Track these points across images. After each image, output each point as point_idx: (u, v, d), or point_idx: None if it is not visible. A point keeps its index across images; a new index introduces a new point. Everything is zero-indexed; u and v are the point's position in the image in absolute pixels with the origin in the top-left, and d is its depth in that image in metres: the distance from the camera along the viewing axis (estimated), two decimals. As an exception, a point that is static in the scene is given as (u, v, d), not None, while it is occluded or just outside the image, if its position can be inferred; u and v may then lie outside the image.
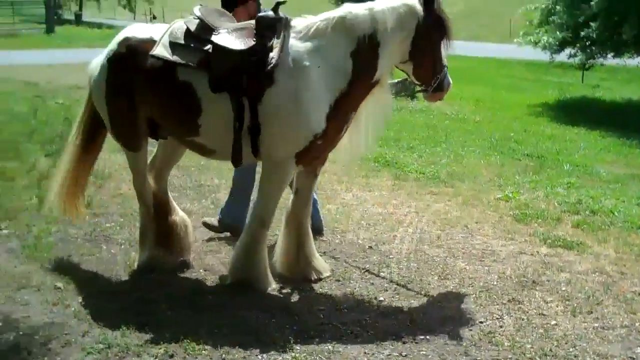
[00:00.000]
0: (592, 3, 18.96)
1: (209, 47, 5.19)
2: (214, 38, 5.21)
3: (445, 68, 5.45)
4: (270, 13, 5.31)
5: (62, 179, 5.97)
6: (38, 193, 7.56)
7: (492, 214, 7.82)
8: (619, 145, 14.03)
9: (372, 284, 5.77)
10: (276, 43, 5.16)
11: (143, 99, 5.35)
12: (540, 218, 7.68)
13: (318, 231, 6.78)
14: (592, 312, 5.36)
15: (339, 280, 5.82)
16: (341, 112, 5.28)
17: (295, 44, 5.20)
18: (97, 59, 5.60)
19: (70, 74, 17.89)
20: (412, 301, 5.45)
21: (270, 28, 5.22)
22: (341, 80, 5.21)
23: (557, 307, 5.43)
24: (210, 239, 6.67)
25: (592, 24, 18.90)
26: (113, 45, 5.45)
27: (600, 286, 5.87)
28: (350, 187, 8.71)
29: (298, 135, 5.19)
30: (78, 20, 50.43)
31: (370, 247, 6.63)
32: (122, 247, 6.40)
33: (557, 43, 20.61)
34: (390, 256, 6.42)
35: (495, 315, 5.26)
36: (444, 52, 5.42)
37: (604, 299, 5.60)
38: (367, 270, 6.05)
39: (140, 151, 5.65)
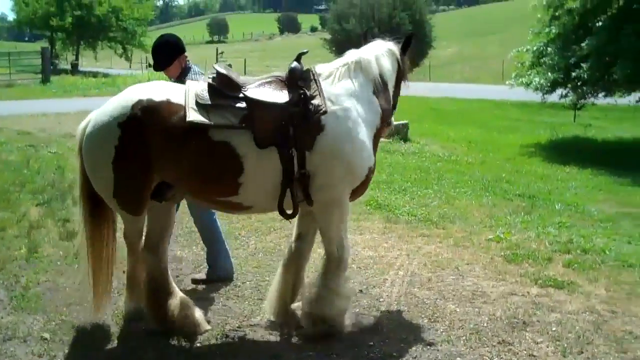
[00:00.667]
0: (583, 44, 19.18)
1: (241, 104, 5.16)
2: (249, 94, 5.20)
3: None
4: (297, 64, 5.44)
5: (91, 266, 5.55)
6: (27, 243, 7.54)
7: (483, 255, 7.80)
8: (610, 184, 14.08)
9: (363, 327, 5.73)
10: (314, 91, 5.32)
11: (162, 163, 5.07)
12: (531, 258, 7.67)
13: (228, 278, 6.82)
14: (582, 352, 5.35)
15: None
16: (376, 146, 5.64)
17: (329, 89, 5.40)
18: (90, 124, 5.20)
19: (65, 123, 18.02)
20: (402, 345, 5.41)
21: (302, 78, 5.38)
22: (376, 116, 5.57)
23: (547, 347, 5.41)
24: (198, 286, 6.65)
25: (583, 64, 19.08)
26: (123, 108, 5.07)
27: (591, 326, 5.85)
28: (342, 230, 8.68)
29: (357, 171, 5.38)
30: (74, 69, 50.76)
31: (361, 291, 6.60)
32: (111, 296, 6.34)
33: (549, 84, 20.76)
34: (381, 299, 6.40)
35: (485, 357, 5.24)
36: None
37: (595, 339, 5.58)
38: (357, 314, 6.02)
39: (142, 215, 5.41)
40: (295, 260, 5.80)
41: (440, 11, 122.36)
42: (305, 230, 5.77)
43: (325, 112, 5.22)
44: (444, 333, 5.66)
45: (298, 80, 5.35)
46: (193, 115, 5.01)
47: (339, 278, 5.55)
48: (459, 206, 10.39)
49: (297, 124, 5.15)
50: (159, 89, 5.22)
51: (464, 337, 5.57)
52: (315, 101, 5.25)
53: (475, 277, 7.05)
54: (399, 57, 5.84)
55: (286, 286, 5.79)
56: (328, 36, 60.57)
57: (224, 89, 5.22)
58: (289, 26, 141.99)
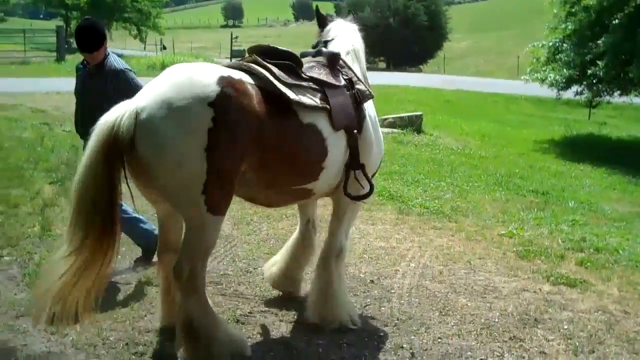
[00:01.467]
0: (599, 42, 19.08)
1: (311, 84, 5.02)
2: (313, 75, 5.13)
3: None
4: (327, 49, 5.51)
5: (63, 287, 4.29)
6: (41, 220, 7.55)
7: (496, 250, 7.78)
8: (624, 183, 14.02)
9: (373, 318, 5.74)
10: (352, 76, 5.39)
11: (250, 150, 4.51)
12: (544, 255, 7.64)
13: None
14: (594, 352, 5.33)
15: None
16: None
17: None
18: (156, 111, 4.23)
19: (79, 102, 17.95)
20: (413, 337, 5.40)
21: (341, 64, 5.42)
22: (373, 102, 5.58)
23: (558, 345, 5.40)
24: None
25: (598, 62, 18.97)
26: (206, 86, 4.34)
27: (602, 325, 5.83)
28: (354, 220, 8.68)
29: (379, 157, 5.52)
30: (89, 49, 50.78)
31: (372, 281, 6.60)
32: (123, 276, 6.38)
33: (564, 80, 20.68)
34: (392, 291, 6.38)
35: (496, 352, 5.22)
36: None
37: (607, 339, 5.56)
38: (367, 305, 6.01)
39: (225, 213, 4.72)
40: (310, 238, 5.92)
41: (456, 3, 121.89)
42: (312, 216, 5.93)
43: (373, 97, 5.40)
44: (454, 327, 5.65)
45: (339, 65, 5.38)
46: (293, 95, 4.76)
47: (342, 267, 5.58)
48: (471, 200, 10.36)
49: (354, 107, 5.18)
50: (219, 67, 4.68)
51: (474, 332, 5.56)
52: (360, 86, 5.32)
53: (487, 272, 7.02)
54: None
55: (293, 258, 5.95)
56: (343, 24, 60.54)
57: (298, 69, 5.07)
58: (304, 13, 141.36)
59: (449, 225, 8.75)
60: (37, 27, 64.07)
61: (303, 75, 5.05)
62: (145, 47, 59.12)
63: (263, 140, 4.54)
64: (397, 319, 5.74)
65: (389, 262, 7.16)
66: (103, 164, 4.24)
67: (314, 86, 5.01)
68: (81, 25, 6.25)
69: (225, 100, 4.34)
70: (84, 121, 5.89)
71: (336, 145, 5.00)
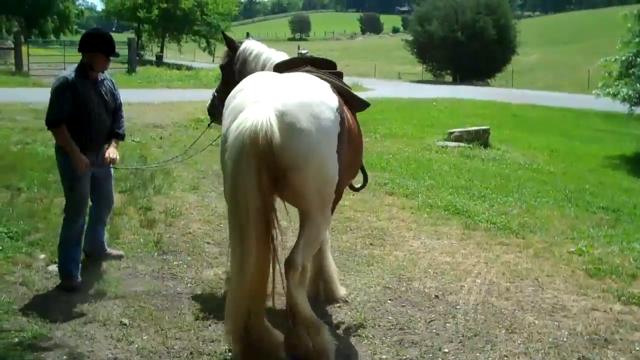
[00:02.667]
0: (674, 56, 18.60)
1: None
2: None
3: None
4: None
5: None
6: (109, 229, 7.68)
7: (564, 268, 7.60)
8: (699, 201, 13.53)
9: (438, 334, 5.67)
10: None
11: (348, 149, 4.88)
12: (615, 274, 7.42)
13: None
14: (667, 375, 5.15)
15: (403, 329, 5.73)
16: None
17: None
18: (299, 117, 4.42)
19: (148, 113, 18.29)
20: (478, 354, 5.32)
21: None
22: None
23: (630, 367, 5.24)
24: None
25: (674, 77, 18.49)
26: (328, 93, 4.75)
27: (677, 348, 5.63)
28: (419, 234, 8.61)
29: None
30: (159, 61, 51.79)
31: (437, 297, 6.52)
32: (189, 285, 6.45)
33: (637, 95, 20.16)
34: (457, 307, 6.30)
35: (564, 373, 5.09)
36: None
37: (681, 362, 5.37)
38: (432, 320, 5.94)
39: None
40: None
41: (525, 17, 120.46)
42: None
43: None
44: (521, 345, 5.54)
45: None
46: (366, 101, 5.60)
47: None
48: (539, 216, 10.14)
49: None
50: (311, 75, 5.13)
51: (542, 351, 5.44)
52: None
53: (555, 290, 6.87)
54: None
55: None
56: (410, 37, 60.27)
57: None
58: (371, 26, 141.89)
59: (516, 242, 8.59)
60: (109, 39, 65.52)
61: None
62: (214, 60, 59.94)
63: (350, 141, 4.89)
64: (462, 336, 5.66)
65: (454, 278, 7.07)
66: (264, 167, 4.33)
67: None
68: (104, 33, 6.43)
69: (341, 106, 4.79)
70: (95, 129, 6.38)
71: None
